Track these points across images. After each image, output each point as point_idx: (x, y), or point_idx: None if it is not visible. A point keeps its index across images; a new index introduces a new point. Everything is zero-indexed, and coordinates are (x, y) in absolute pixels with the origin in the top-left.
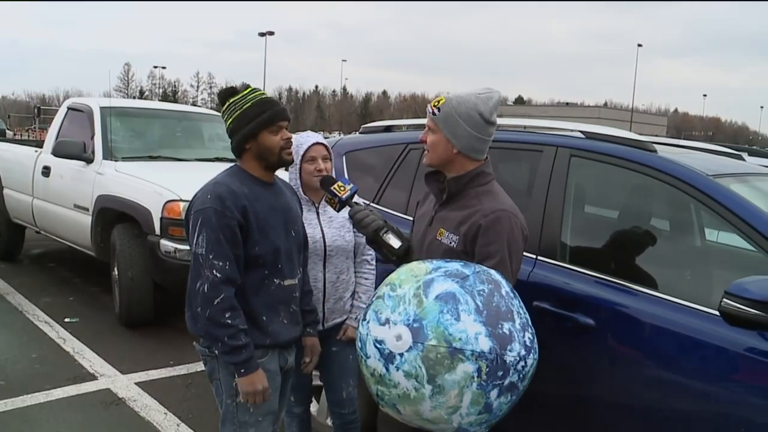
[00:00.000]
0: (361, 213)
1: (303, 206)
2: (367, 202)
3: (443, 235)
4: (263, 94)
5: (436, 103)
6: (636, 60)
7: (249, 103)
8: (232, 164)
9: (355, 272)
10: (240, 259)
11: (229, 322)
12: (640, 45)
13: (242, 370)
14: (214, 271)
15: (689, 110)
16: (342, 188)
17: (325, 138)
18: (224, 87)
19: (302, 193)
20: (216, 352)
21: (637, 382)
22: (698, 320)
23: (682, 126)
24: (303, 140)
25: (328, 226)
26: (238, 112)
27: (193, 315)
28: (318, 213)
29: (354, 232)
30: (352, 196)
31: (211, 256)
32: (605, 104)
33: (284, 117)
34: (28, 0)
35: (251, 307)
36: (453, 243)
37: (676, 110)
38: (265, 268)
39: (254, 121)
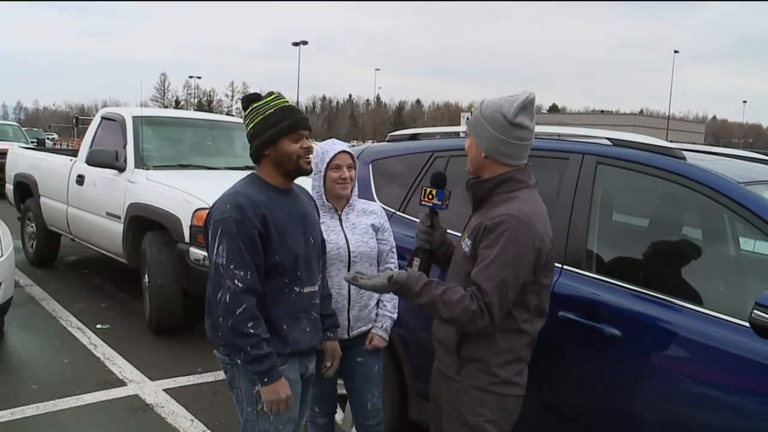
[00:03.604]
0: (422, 225)
1: (325, 213)
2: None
3: (464, 241)
4: (286, 101)
5: (472, 109)
6: (672, 66)
7: (271, 110)
8: (250, 172)
9: None
10: (260, 267)
11: (252, 331)
12: (676, 51)
13: (265, 379)
14: (236, 281)
15: (728, 117)
16: (430, 196)
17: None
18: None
19: (325, 200)
20: (237, 360)
21: (664, 396)
22: (729, 332)
23: (720, 133)
24: (329, 148)
25: (352, 233)
26: (260, 117)
27: (214, 324)
28: (341, 220)
29: (377, 239)
30: (434, 211)
31: (232, 266)
32: (641, 112)
33: (305, 126)
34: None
35: (272, 315)
36: (467, 248)
37: (714, 117)
38: (284, 276)
39: (275, 127)
